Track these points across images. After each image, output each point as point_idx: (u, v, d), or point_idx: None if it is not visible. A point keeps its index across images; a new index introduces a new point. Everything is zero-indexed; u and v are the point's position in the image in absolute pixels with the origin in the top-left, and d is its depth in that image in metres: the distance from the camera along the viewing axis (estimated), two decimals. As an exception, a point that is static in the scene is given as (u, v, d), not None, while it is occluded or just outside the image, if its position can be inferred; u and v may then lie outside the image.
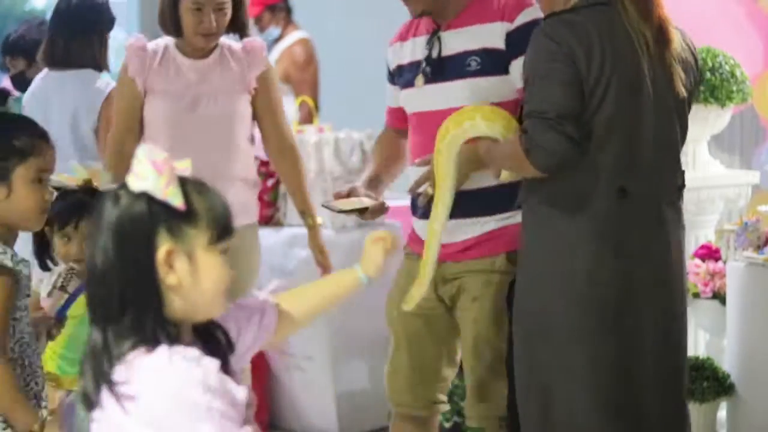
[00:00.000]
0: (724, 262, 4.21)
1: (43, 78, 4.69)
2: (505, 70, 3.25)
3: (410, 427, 3.47)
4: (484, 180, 3.24)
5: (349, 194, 3.38)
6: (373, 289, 3.31)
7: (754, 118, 4.95)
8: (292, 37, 7.13)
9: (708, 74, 4.28)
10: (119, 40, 7.52)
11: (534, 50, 2.94)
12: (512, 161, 3.00)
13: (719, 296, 4.20)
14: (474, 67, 3.27)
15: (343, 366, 5.09)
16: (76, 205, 3.13)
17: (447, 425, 4.62)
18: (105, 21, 4.74)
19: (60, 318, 3.09)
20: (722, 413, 4.24)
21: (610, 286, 2.95)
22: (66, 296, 3.14)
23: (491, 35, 3.25)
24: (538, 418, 3.03)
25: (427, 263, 3.15)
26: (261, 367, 4.88)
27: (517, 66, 3.18)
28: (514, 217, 3.23)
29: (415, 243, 3.42)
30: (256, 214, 4.13)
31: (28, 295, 2.72)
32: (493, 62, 3.25)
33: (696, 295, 4.22)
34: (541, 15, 3.13)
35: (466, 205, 3.25)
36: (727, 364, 4.16)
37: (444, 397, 3.49)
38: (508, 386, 3.19)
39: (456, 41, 3.31)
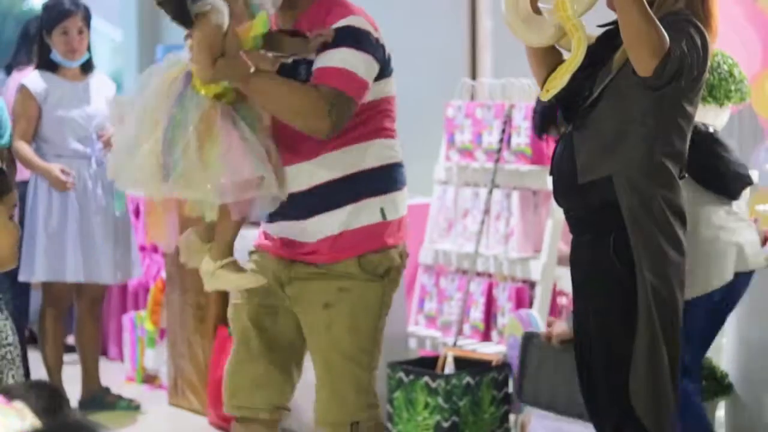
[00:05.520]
0: (723, 262, 4.21)
1: None
2: None
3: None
4: (314, 178, 3.22)
5: None
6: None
7: (753, 118, 4.94)
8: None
9: (706, 73, 4.27)
10: (117, 39, 7.54)
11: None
12: (648, 28, 3.09)
13: (718, 296, 4.19)
14: None
15: (341, 366, 5.08)
16: None
17: (445, 425, 4.60)
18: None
19: None
20: (721, 413, 4.24)
21: None
22: None
23: None
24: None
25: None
26: (259, 367, 4.86)
27: None
28: (356, 218, 3.22)
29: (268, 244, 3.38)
30: None
31: None
32: None
33: (695, 295, 4.22)
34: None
35: (301, 204, 3.23)
36: (726, 363, 4.17)
37: None
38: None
39: None
